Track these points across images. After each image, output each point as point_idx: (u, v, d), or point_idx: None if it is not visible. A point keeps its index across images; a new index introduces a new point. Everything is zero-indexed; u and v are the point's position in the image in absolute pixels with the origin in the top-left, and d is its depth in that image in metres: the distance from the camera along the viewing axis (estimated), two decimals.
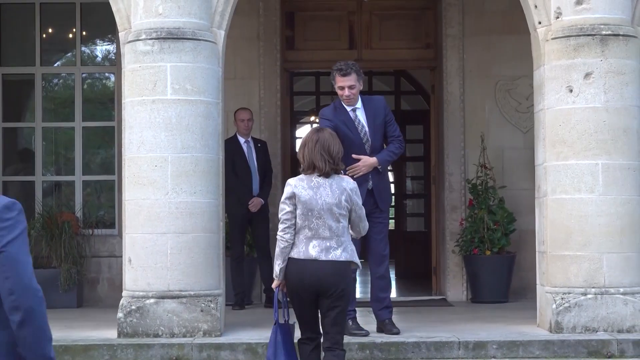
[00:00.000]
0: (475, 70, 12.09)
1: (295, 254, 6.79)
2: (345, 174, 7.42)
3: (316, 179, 6.79)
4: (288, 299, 6.95)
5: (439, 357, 8.16)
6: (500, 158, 11.93)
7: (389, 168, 21.07)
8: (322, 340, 6.97)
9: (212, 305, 8.50)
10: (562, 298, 8.47)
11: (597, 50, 8.50)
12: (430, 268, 12.95)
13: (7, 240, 3.42)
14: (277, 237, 6.83)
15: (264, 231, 11.27)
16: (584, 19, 8.56)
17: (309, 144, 6.84)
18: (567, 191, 8.53)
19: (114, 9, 8.94)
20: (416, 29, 12.66)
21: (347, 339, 8.06)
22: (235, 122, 11.26)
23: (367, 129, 8.67)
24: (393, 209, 19.09)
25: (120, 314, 8.45)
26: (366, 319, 9.12)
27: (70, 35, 12.49)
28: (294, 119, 14.52)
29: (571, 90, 8.51)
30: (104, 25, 12.20)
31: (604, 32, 8.51)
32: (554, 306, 8.46)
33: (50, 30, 12.58)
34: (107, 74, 12.82)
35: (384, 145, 8.90)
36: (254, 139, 11.34)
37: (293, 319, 7.01)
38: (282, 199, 6.83)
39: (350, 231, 6.97)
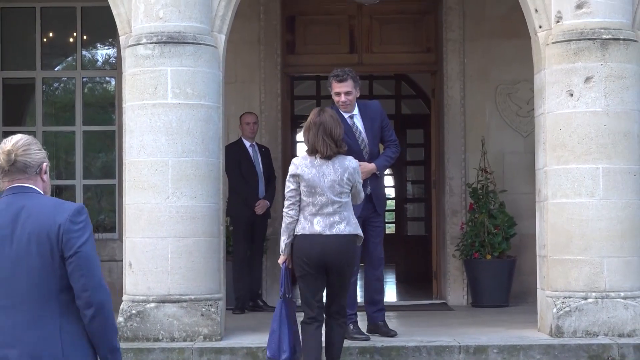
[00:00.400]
0: (475, 75, 12.09)
1: (301, 229, 7.16)
2: None
3: (319, 159, 7.14)
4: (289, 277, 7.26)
5: None
6: (500, 162, 11.92)
7: (390, 172, 21.08)
8: (324, 320, 7.27)
9: (212, 309, 8.49)
10: (563, 302, 8.46)
11: (597, 54, 8.50)
12: (431, 272, 12.94)
13: (82, 242, 3.81)
14: (283, 213, 7.20)
15: (261, 234, 11.30)
16: (585, 23, 8.56)
17: (312, 129, 7.21)
18: (567, 195, 8.52)
19: (114, 13, 8.94)
20: (417, 33, 12.64)
21: (347, 343, 8.07)
22: (240, 125, 11.30)
23: (364, 135, 8.68)
24: (394, 212, 19.11)
25: (120, 318, 8.45)
26: (365, 324, 9.10)
27: (71, 39, 12.51)
28: (294, 123, 14.50)
29: (572, 95, 8.51)
30: (104, 29, 12.21)
31: (604, 36, 8.51)
32: (555, 310, 8.45)
33: (50, 34, 12.60)
34: (107, 78, 12.83)
35: (379, 150, 8.94)
36: (258, 144, 11.38)
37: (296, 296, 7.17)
38: (287, 177, 7.21)
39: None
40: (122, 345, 8.23)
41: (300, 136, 18.92)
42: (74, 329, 3.86)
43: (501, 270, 11.36)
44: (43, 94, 12.47)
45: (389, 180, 22.28)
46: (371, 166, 8.59)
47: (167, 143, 8.50)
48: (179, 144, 8.50)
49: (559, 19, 8.65)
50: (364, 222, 8.32)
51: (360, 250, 7.97)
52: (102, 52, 12.87)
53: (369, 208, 8.55)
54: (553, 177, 8.60)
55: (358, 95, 8.75)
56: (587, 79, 8.48)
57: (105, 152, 12.45)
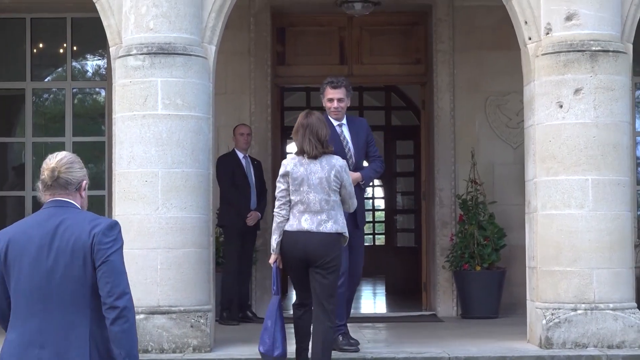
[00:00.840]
0: (465, 86, 12.11)
1: (289, 227, 7.43)
2: None
3: (307, 159, 7.42)
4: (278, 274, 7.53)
5: None
6: (490, 173, 11.94)
7: (379, 183, 21.06)
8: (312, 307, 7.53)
9: (202, 320, 8.47)
10: (552, 314, 8.46)
11: (587, 66, 8.51)
12: (421, 283, 12.95)
13: (111, 252, 4.14)
14: (274, 213, 7.48)
15: (251, 246, 11.29)
16: (574, 35, 8.58)
17: (300, 130, 7.49)
18: (557, 207, 8.53)
19: (104, 24, 8.93)
20: (406, 44, 12.69)
21: (336, 354, 8.07)
22: (234, 137, 11.30)
23: (351, 145, 8.72)
24: (383, 224, 19.12)
25: None
26: (356, 335, 9.10)
27: (61, 50, 12.51)
28: (284, 134, 14.52)
29: (561, 106, 8.53)
30: (94, 40, 12.20)
31: (593, 48, 8.53)
32: (544, 322, 8.46)
33: (40, 45, 12.61)
34: (97, 89, 12.83)
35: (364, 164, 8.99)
36: (250, 156, 11.39)
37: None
38: (278, 178, 7.49)
39: (343, 209, 7.52)
40: None
41: (290, 147, 18.96)
42: (102, 335, 4.16)
43: (491, 282, 11.37)
44: (33, 104, 12.46)
45: (378, 192, 22.31)
46: (357, 175, 8.59)
47: (157, 154, 8.48)
48: (169, 155, 8.49)
49: (548, 31, 8.67)
50: None
51: (347, 253, 8.07)
52: (92, 63, 12.86)
53: (351, 221, 8.52)
54: (543, 188, 8.61)
55: (349, 105, 8.82)
56: (577, 91, 8.50)
57: (95, 163, 12.39)
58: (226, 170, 10.78)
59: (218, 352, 8.48)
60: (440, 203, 12.11)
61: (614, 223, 8.52)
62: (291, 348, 7.64)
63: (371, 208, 23.41)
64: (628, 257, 8.61)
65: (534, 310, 8.68)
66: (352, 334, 8.76)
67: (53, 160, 4.27)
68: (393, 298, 15.95)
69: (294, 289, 7.63)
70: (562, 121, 8.53)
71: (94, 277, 4.15)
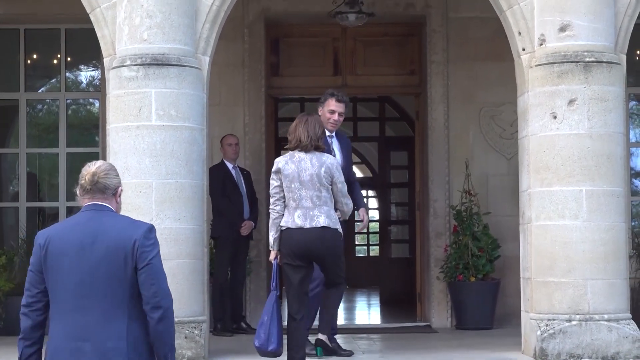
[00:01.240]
0: (459, 97, 12.11)
1: (284, 223, 7.68)
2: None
3: (298, 154, 7.72)
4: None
5: None
6: (484, 184, 11.94)
7: (374, 194, 21.08)
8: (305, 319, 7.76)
9: (196, 331, 8.45)
10: (547, 324, 8.45)
11: (580, 77, 8.52)
12: (415, 294, 12.93)
13: (153, 255, 4.47)
14: (270, 210, 7.76)
15: (244, 256, 11.27)
16: (568, 46, 8.59)
17: (299, 125, 7.83)
18: (551, 217, 8.53)
19: (98, 35, 8.92)
20: (401, 55, 12.69)
21: None
22: (222, 148, 11.29)
23: (340, 157, 8.91)
24: (378, 235, 19.09)
25: None
26: (351, 346, 9.09)
27: (55, 61, 12.50)
28: (278, 145, 14.50)
29: (555, 117, 8.53)
30: (88, 51, 12.21)
31: (587, 59, 8.54)
32: (539, 333, 8.44)
33: (34, 56, 12.59)
34: (91, 100, 12.82)
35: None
36: (239, 167, 11.38)
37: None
38: (271, 176, 7.78)
39: (336, 207, 7.79)
40: None
41: None
42: (138, 330, 4.46)
43: (485, 293, 11.37)
44: (27, 115, 12.44)
45: (372, 202, 22.31)
46: (367, 217, 8.94)
47: (151, 165, 8.48)
48: (163, 166, 8.48)
49: (542, 42, 8.68)
50: None
51: (343, 244, 8.21)
52: (86, 74, 12.85)
53: None
54: (537, 199, 8.60)
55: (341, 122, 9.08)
56: (571, 102, 8.51)
57: None
58: (217, 181, 10.76)
59: None
60: (434, 214, 12.10)
61: (609, 234, 8.51)
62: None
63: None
64: (622, 268, 8.60)
65: (529, 321, 8.67)
66: (346, 345, 8.75)
67: (92, 166, 4.61)
68: (387, 309, 15.93)
69: (288, 295, 7.73)
70: (556, 132, 8.53)
71: (132, 277, 4.44)
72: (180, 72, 8.56)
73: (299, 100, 16.34)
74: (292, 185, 7.65)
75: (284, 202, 7.70)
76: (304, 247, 7.61)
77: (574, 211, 8.47)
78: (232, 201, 11.08)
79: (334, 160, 7.85)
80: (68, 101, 12.55)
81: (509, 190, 11.48)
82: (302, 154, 7.75)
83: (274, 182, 7.74)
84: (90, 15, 8.92)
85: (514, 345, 9.13)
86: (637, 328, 8.52)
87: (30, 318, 4.61)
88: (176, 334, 8.19)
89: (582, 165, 8.47)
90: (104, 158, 9.81)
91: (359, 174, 17.05)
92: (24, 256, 11.27)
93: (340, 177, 7.77)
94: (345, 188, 7.83)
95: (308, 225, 7.60)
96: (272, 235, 7.72)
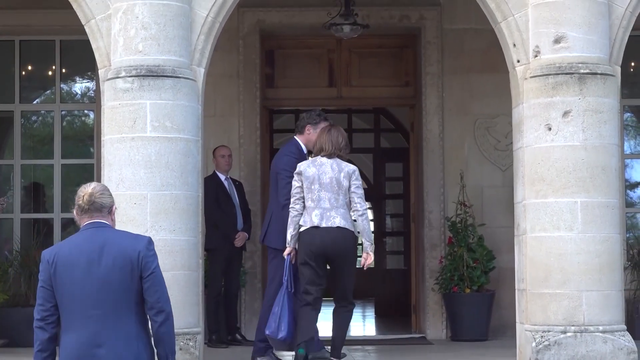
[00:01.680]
0: (454, 108, 12.12)
1: (303, 223, 8.21)
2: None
3: (320, 159, 8.33)
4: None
5: None
6: (479, 196, 11.94)
7: (369, 205, 21.01)
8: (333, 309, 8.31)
9: (191, 343, 8.40)
10: (542, 336, 8.42)
11: (575, 88, 8.50)
12: (410, 306, 12.91)
13: (155, 265, 4.93)
14: (290, 208, 8.28)
15: (238, 268, 11.24)
16: (563, 58, 8.57)
17: (322, 135, 8.45)
18: (546, 229, 8.50)
19: (93, 46, 8.88)
20: (396, 66, 12.70)
21: None
22: (214, 159, 11.27)
23: None
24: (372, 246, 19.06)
25: None
26: (346, 358, 9.06)
27: (50, 73, 12.49)
28: (273, 157, 14.49)
29: (550, 129, 8.51)
30: (83, 62, 12.21)
31: (582, 71, 8.51)
32: (534, 344, 8.41)
33: (29, 68, 12.57)
34: (86, 111, 12.80)
35: None
36: (231, 178, 11.37)
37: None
38: (294, 177, 8.31)
39: (354, 216, 8.29)
40: None
41: None
42: (145, 335, 4.94)
43: (480, 304, 11.36)
44: (21, 127, 12.43)
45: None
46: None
47: (145, 176, 8.43)
48: (157, 178, 8.44)
49: (537, 54, 8.66)
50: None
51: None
52: (81, 86, 12.83)
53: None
54: (532, 210, 8.58)
55: None
56: (565, 113, 8.49)
57: None
58: (210, 192, 10.74)
59: None
60: (429, 225, 12.10)
61: (604, 245, 8.49)
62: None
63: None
64: (617, 280, 8.57)
65: (524, 333, 8.63)
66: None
67: (88, 188, 5.05)
68: (382, 320, 15.91)
69: (302, 292, 8.21)
70: (550, 143, 8.51)
71: (138, 285, 4.89)
72: (175, 84, 8.54)
73: (294, 111, 16.33)
74: (313, 187, 8.21)
75: (303, 202, 8.23)
76: (319, 245, 8.11)
77: (569, 223, 8.44)
78: (225, 213, 11.05)
79: (354, 168, 8.38)
80: (63, 112, 12.53)
81: (504, 202, 11.49)
82: (324, 159, 8.34)
83: (295, 183, 8.29)
84: (85, 27, 8.89)
85: (509, 357, 9.11)
86: (632, 339, 8.49)
87: (47, 331, 4.97)
88: None
89: (577, 177, 8.45)
90: (99, 170, 9.79)
91: None
92: (19, 268, 11.24)
93: (357, 182, 8.31)
94: (362, 192, 8.33)
95: (324, 225, 8.12)
96: (290, 233, 8.24)
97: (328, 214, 8.17)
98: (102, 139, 8.78)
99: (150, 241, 5.00)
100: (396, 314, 15.38)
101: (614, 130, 8.62)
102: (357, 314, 18.34)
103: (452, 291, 11.45)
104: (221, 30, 8.97)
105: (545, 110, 8.54)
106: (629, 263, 11.46)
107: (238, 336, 11.17)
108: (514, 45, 8.81)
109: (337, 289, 8.30)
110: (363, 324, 16.74)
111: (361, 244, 8.48)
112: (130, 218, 8.41)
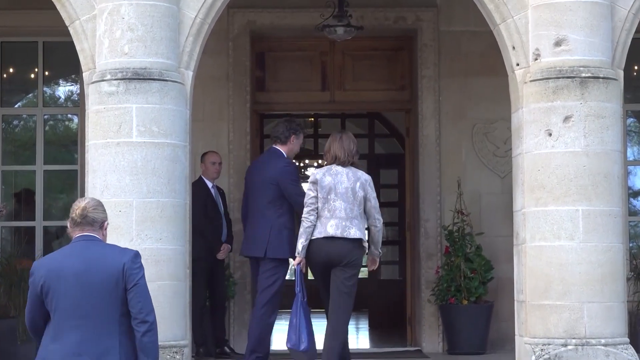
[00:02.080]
0: (451, 113, 12.09)
1: (317, 234, 8.34)
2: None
3: (335, 168, 8.46)
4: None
5: None
6: (477, 203, 11.90)
7: None
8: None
9: (177, 356, 8.28)
10: (542, 349, 8.32)
11: (576, 92, 8.42)
12: (405, 317, 12.92)
13: (139, 277, 5.26)
14: (302, 218, 8.39)
15: (222, 279, 11.03)
16: (563, 61, 8.49)
17: (334, 143, 8.56)
18: (546, 238, 8.41)
19: (78, 48, 8.79)
20: (391, 70, 12.69)
21: None
22: (203, 164, 11.09)
23: None
24: (367, 256, 18.97)
25: None
26: None
27: (32, 75, 12.47)
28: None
29: (550, 134, 8.43)
30: (67, 65, 12.18)
31: (583, 75, 8.44)
32: (534, 358, 8.32)
33: (11, 70, 12.54)
34: (70, 116, 12.81)
35: None
36: (216, 186, 11.16)
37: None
38: (308, 186, 8.47)
39: (368, 224, 8.51)
40: None
41: None
42: (128, 345, 5.20)
43: (478, 316, 11.29)
44: (2, 131, 12.40)
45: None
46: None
47: (131, 183, 8.34)
48: (144, 184, 8.34)
49: (537, 57, 8.61)
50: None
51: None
52: (65, 89, 12.82)
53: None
54: (531, 219, 8.50)
55: None
56: (566, 118, 8.42)
57: (67, 193, 12.34)
58: (198, 200, 10.42)
59: None
60: (425, 234, 12.05)
61: (606, 255, 8.40)
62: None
63: None
64: (620, 291, 8.49)
65: (523, 346, 8.53)
66: None
67: (83, 202, 5.45)
68: (377, 333, 15.95)
69: (321, 296, 8.51)
70: (551, 150, 8.43)
71: (123, 296, 5.21)
72: (163, 87, 8.45)
73: (286, 116, 16.15)
74: (329, 197, 8.34)
75: (317, 212, 8.36)
76: (327, 254, 8.28)
77: (570, 232, 8.36)
78: (212, 222, 10.83)
79: (368, 177, 8.52)
80: (46, 117, 12.50)
81: (503, 210, 11.43)
82: (339, 168, 8.46)
83: (310, 193, 8.38)
84: (69, 28, 8.81)
85: None
86: (635, 353, 8.42)
87: (40, 337, 5.32)
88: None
89: (579, 185, 8.37)
90: (83, 176, 9.70)
91: None
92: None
93: (372, 194, 8.47)
94: (377, 204, 8.49)
95: (340, 235, 8.28)
96: (302, 243, 8.33)
97: (344, 224, 8.30)
98: (86, 144, 8.70)
99: (137, 254, 5.32)
100: (391, 326, 15.36)
101: (616, 136, 8.56)
102: (350, 326, 18.19)
103: (449, 302, 11.39)
104: (210, 31, 8.92)
105: (546, 115, 8.48)
106: (632, 273, 11.45)
107: (226, 349, 11.04)
108: (514, 47, 8.75)
109: (332, 316, 8.43)
110: (356, 336, 16.75)
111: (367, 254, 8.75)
112: (115, 226, 8.28)
